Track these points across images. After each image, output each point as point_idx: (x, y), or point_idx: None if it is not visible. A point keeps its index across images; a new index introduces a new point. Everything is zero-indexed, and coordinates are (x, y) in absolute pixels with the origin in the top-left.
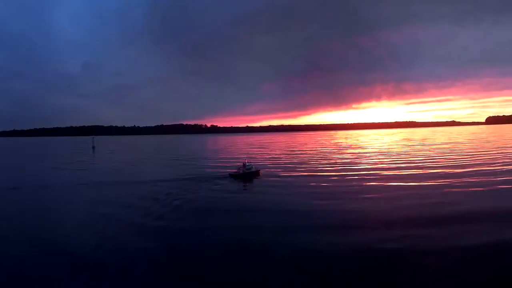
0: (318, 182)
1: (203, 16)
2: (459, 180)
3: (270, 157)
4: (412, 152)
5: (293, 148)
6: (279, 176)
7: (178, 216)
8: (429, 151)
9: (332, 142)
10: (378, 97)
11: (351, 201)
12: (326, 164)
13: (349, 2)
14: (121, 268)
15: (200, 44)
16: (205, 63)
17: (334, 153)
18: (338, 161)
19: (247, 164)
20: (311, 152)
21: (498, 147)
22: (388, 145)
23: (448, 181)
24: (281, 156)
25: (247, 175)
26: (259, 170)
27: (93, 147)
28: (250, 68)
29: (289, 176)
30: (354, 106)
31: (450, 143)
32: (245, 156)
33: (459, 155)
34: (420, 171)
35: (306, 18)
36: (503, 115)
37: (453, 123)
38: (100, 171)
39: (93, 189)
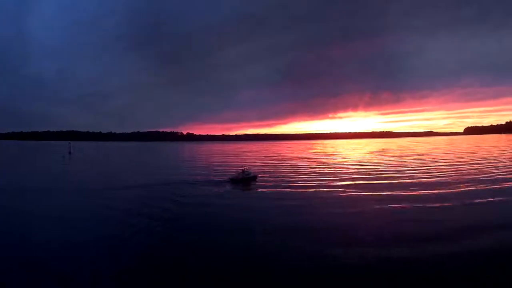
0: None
1: (179, 23)
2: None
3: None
4: (384, 163)
5: (269, 157)
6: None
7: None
8: (406, 161)
9: (309, 151)
10: (355, 107)
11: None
12: (303, 173)
13: (324, 13)
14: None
15: (175, 51)
16: (181, 71)
17: (311, 162)
18: (314, 170)
19: (245, 170)
20: (288, 161)
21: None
22: (363, 155)
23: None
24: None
25: (245, 179)
26: (256, 176)
27: (70, 153)
28: (226, 76)
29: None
30: (330, 115)
31: (427, 153)
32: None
33: (442, 165)
34: (383, 182)
35: (281, 28)
36: (482, 126)
37: (430, 134)
38: (77, 176)
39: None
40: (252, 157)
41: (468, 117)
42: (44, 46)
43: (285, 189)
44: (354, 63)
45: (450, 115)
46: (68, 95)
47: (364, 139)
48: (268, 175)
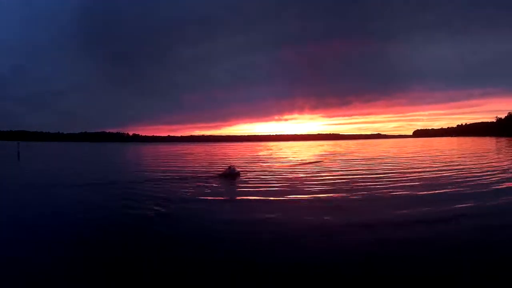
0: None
1: (130, 24)
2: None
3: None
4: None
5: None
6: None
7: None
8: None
9: (255, 153)
10: (301, 110)
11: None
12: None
13: (280, 15)
14: None
15: (125, 52)
16: (130, 72)
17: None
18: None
19: (231, 167)
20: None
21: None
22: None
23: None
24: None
25: (232, 175)
26: (239, 172)
27: (18, 153)
28: (173, 78)
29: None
30: (276, 118)
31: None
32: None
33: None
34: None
35: (234, 30)
36: (432, 128)
37: (378, 136)
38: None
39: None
40: (207, 158)
41: (417, 120)
42: None
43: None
44: (304, 66)
45: (400, 118)
46: (19, 94)
47: (311, 141)
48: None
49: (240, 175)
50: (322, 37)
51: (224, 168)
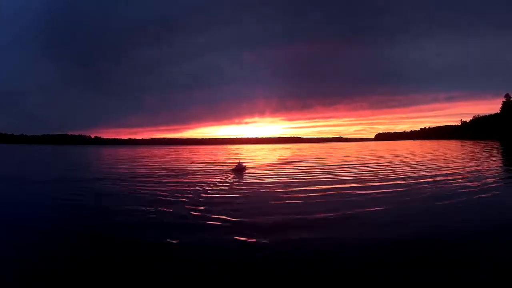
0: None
1: (92, 24)
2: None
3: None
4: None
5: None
6: None
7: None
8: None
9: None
10: (262, 113)
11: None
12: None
13: (239, 17)
14: None
15: (87, 52)
16: (91, 72)
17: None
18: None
19: (240, 162)
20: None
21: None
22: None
23: None
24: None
25: (240, 170)
26: (246, 167)
27: None
28: (133, 79)
29: None
30: (236, 121)
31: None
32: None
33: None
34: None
35: (193, 31)
36: (394, 132)
37: (340, 139)
38: None
39: None
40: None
41: (379, 123)
42: None
43: None
44: (265, 68)
45: (361, 121)
46: None
47: (271, 144)
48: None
49: (246, 169)
50: (282, 39)
51: (234, 164)
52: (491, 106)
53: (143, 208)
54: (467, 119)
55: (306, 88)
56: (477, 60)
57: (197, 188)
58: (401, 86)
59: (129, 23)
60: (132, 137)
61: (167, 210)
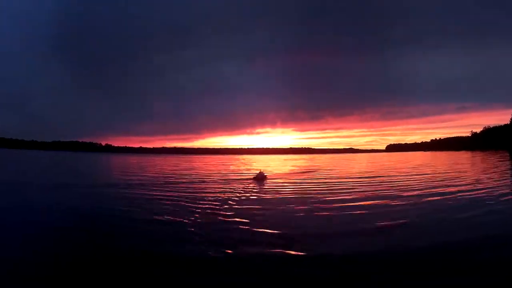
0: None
1: (104, 30)
2: None
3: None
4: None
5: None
6: None
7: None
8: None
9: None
10: (273, 124)
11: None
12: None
13: (252, 26)
14: None
15: (98, 57)
16: (101, 78)
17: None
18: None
19: (261, 172)
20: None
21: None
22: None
23: None
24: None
25: (262, 179)
26: (267, 176)
27: None
28: (146, 86)
29: None
30: (248, 131)
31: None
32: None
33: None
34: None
35: (205, 39)
36: (405, 143)
37: (351, 150)
38: None
39: None
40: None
41: (390, 134)
42: None
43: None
44: (276, 78)
45: (372, 133)
46: None
47: (282, 154)
48: None
49: (267, 178)
50: (293, 50)
51: (254, 173)
52: (502, 117)
53: (179, 219)
54: (478, 130)
55: (318, 99)
56: (487, 71)
57: (225, 196)
58: (412, 97)
59: (142, 29)
60: (143, 145)
61: (195, 220)
